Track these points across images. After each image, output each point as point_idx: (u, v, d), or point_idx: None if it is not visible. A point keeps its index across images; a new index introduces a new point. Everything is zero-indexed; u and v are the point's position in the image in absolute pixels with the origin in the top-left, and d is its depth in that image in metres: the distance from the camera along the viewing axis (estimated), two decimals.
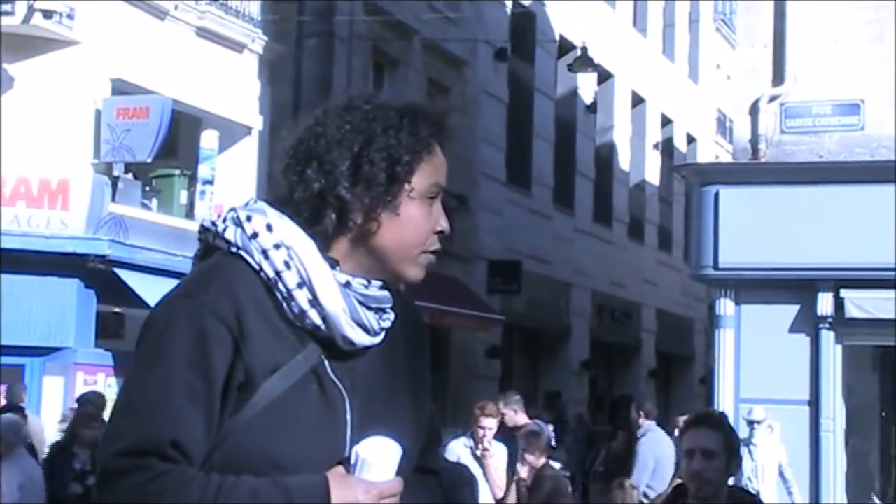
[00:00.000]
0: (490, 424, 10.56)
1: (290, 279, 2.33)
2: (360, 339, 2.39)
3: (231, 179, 17.92)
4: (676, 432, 12.12)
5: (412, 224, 2.40)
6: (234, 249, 2.38)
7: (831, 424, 14.26)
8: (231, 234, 2.39)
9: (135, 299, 14.72)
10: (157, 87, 16.30)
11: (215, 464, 2.26)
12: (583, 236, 29.80)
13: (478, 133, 25.04)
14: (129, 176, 16.71)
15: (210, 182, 17.80)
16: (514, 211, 26.29)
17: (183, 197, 17.42)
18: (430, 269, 2.49)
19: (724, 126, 37.28)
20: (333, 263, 2.38)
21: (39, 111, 15.34)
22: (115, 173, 16.34)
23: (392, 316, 2.45)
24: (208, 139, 17.95)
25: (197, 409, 2.25)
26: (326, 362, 2.36)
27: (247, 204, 2.45)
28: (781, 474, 13.61)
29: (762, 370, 14.34)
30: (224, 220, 2.42)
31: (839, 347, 14.38)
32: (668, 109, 34.93)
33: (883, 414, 15.56)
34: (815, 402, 14.28)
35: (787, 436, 13.58)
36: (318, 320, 2.34)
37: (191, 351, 2.26)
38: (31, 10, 15.01)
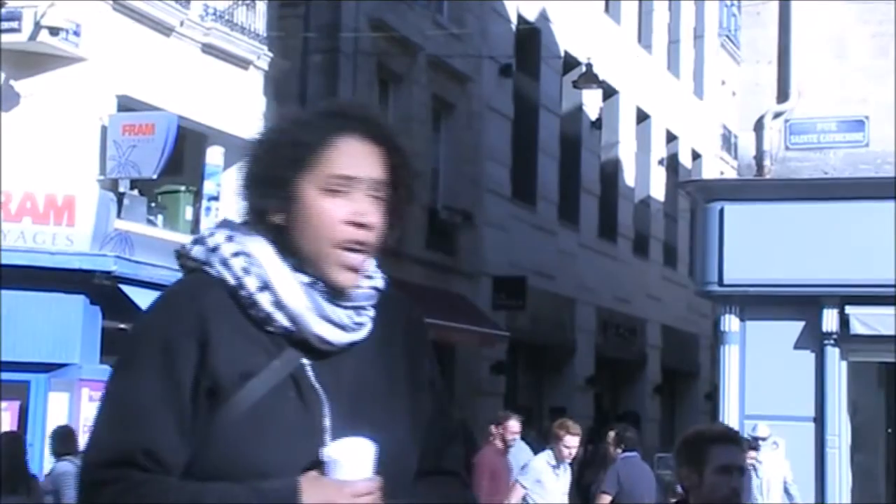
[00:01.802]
0: (575, 443, 11.36)
1: (251, 283, 2.38)
2: (336, 336, 2.40)
3: (236, 196, 17.93)
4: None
5: (319, 216, 2.39)
6: (198, 265, 2.46)
7: (836, 441, 14.23)
8: (196, 251, 2.47)
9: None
10: (163, 104, 16.32)
11: (195, 472, 2.30)
12: (587, 252, 29.79)
13: (482, 149, 25.08)
14: (135, 192, 16.72)
15: (216, 198, 17.81)
16: (518, 227, 26.30)
17: (188, 213, 17.43)
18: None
19: (728, 142, 37.29)
20: (297, 265, 2.40)
21: (45, 127, 15.36)
22: (121, 189, 16.34)
23: (371, 312, 2.46)
24: (214, 155, 17.96)
25: (168, 418, 2.30)
26: (308, 367, 2.37)
27: (216, 224, 2.56)
28: (787, 491, 13.61)
29: (767, 386, 14.31)
30: (193, 242, 2.51)
31: (844, 364, 14.36)
32: (672, 125, 34.95)
33: (889, 430, 15.54)
34: (820, 419, 14.25)
35: (792, 452, 13.58)
36: (285, 321, 2.37)
37: (157, 361, 2.33)
38: (37, 27, 15.04)
